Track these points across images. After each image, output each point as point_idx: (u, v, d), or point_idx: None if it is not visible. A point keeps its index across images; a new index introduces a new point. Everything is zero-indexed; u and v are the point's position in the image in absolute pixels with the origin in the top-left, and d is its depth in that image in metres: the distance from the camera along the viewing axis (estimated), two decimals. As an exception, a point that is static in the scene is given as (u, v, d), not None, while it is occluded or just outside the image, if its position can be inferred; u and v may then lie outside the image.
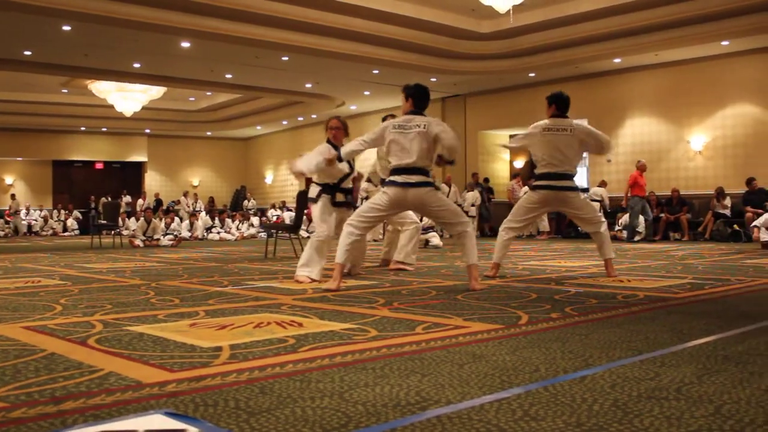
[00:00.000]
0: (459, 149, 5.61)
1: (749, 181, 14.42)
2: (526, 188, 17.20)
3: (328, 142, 6.70)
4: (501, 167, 20.90)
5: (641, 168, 14.67)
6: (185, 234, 18.03)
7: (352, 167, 6.79)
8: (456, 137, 5.51)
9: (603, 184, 16.86)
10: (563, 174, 6.26)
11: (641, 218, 14.97)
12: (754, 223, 12.03)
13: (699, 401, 2.13)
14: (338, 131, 6.77)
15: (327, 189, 6.66)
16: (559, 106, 6.44)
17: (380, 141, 5.63)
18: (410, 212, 7.30)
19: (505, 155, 21.23)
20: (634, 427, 1.87)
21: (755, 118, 15.16)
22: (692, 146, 16.05)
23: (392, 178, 5.46)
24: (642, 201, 14.51)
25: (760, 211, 13.04)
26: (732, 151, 15.49)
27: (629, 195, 14.57)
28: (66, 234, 24.54)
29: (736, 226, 14.08)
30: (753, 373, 2.51)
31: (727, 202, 14.82)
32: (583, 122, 18.44)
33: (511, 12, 12.69)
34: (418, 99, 5.66)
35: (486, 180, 19.72)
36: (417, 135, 5.41)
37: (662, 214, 15.45)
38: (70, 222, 25.40)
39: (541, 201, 6.37)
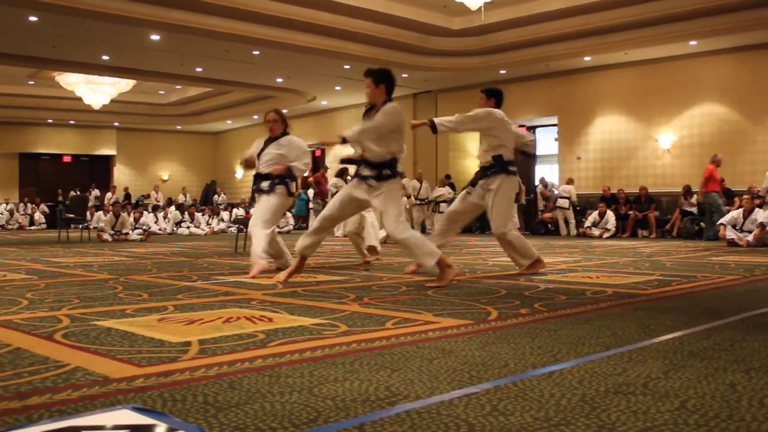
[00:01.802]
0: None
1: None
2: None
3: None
4: (471, 164, 20.94)
5: (717, 162, 13.79)
6: (154, 228, 17.89)
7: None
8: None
9: (570, 181, 16.98)
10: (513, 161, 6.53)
11: (609, 215, 15.12)
12: (720, 221, 12.20)
13: (665, 396, 2.16)
14: (275, 124, 6.80)
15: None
16: (499, 100, 6.57)
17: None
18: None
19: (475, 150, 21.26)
20: (601, 422, 1.89)
21: (721, 117, 15.37)
22: (660, 144, 16.24)
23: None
24: (717, 196, 13.67)
25: (726, 208, 13.21)
26: (699, 149, 15.68)
27: (704, 190, 13.68)
28: (33, 228, 24.21)
29: (702, 224, 14.27)
30: (718, 368, 2.54)
31: (694, 199, 15.00)
32: (553, 120, 18.62)
33: (482, 9, 12.74)
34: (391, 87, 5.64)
35: (447, 176, 19.24)
36: None
37: (631, 212, 15.61)
38: (38, 215, 25.07)
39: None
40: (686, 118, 15.90)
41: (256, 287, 5.29)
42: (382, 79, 5.51)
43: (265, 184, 6.57)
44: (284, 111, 7.27)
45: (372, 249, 7.84)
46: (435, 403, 2.08)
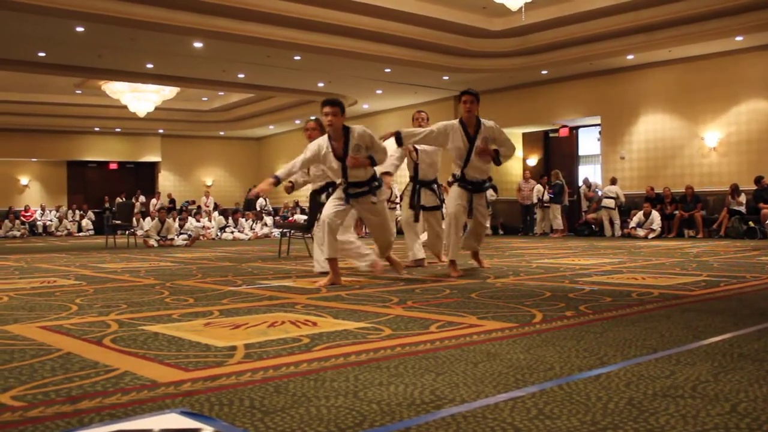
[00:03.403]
0: None
1: (758, 180, 14.28)
2: (538, 186, 17.17)
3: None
4: (514, 164, 20.83)
5: None
6: (200, 228, 18.23)
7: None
8: None
9: (614, 181, 16.77)
10: None
11: (654, 215, 14.91)
12: (768, 220, 11.94)
13: (715, 399, 2.12)
14: (314, 132, 6.90)
15: None
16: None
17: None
18: None
19: (519, 152, 21.15)
20: (650, 426, 1.87)
21: (770, 114, 15.06)
22: (706, 143, 15.96)
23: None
24: None
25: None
26: (746, 147, 15.39)
27: None
28: (81, 234, 24.67)
29: (751, 223, 13.99)
30: (769, 370, 2.50)
31: (742, 198, 14.71)
32: (596, 120, 18.38)
33: (522, 9, 12.66)
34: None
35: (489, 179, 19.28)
36: None
37: (676, 211, 15.37)
38: (85, 222, 25.54)
39: None
40: (733, 116, 15.60)
41: (300, 291, 5.33)
42: (344, 108, 5.87)
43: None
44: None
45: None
46: (480, 407, 2.07)
